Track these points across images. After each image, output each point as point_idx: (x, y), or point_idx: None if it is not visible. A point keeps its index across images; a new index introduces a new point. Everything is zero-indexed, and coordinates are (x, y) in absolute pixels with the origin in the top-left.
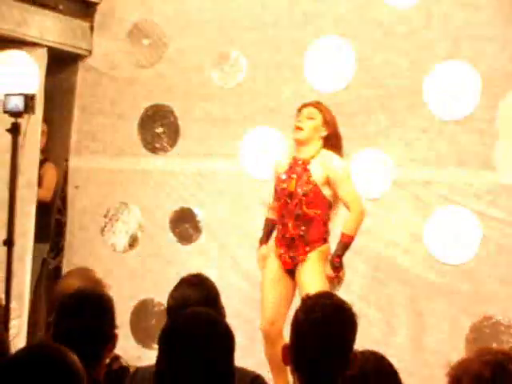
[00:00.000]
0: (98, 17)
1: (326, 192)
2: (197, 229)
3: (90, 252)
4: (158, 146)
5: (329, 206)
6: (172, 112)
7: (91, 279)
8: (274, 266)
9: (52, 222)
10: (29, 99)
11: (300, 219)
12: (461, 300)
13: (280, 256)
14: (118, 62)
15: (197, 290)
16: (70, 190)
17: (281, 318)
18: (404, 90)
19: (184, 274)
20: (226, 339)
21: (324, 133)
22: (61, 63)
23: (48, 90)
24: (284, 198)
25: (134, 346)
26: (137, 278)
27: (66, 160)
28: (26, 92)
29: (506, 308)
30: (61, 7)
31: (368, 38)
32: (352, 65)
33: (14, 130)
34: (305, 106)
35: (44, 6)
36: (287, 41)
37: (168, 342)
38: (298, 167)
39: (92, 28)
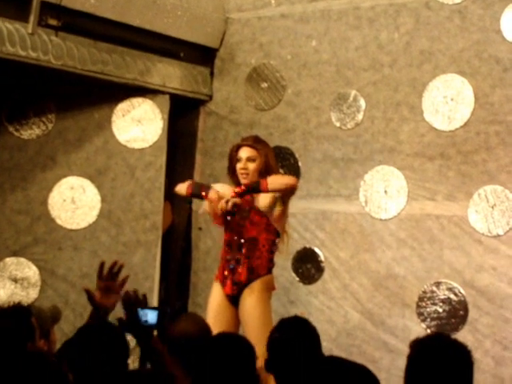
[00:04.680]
0: (217, 62)
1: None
2: (319, 269)
3: None
4: None
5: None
6: (292, 154)
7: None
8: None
9: (175, 263)
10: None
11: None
12: None
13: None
14: (237, 106)
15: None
16: (194, 232)
17: None
18: None
19: (306, 313)
20: None
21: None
22: (182, 109)
23: (170, 134)
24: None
25: None
26: None
27: (190, 203)
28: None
29: None
30: (182, 55)
31: (486, 75)
32: (470, 102)
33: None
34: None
35: (166, 54)
36: (405, 80)
37: None
38: None
39: (212, 74)
